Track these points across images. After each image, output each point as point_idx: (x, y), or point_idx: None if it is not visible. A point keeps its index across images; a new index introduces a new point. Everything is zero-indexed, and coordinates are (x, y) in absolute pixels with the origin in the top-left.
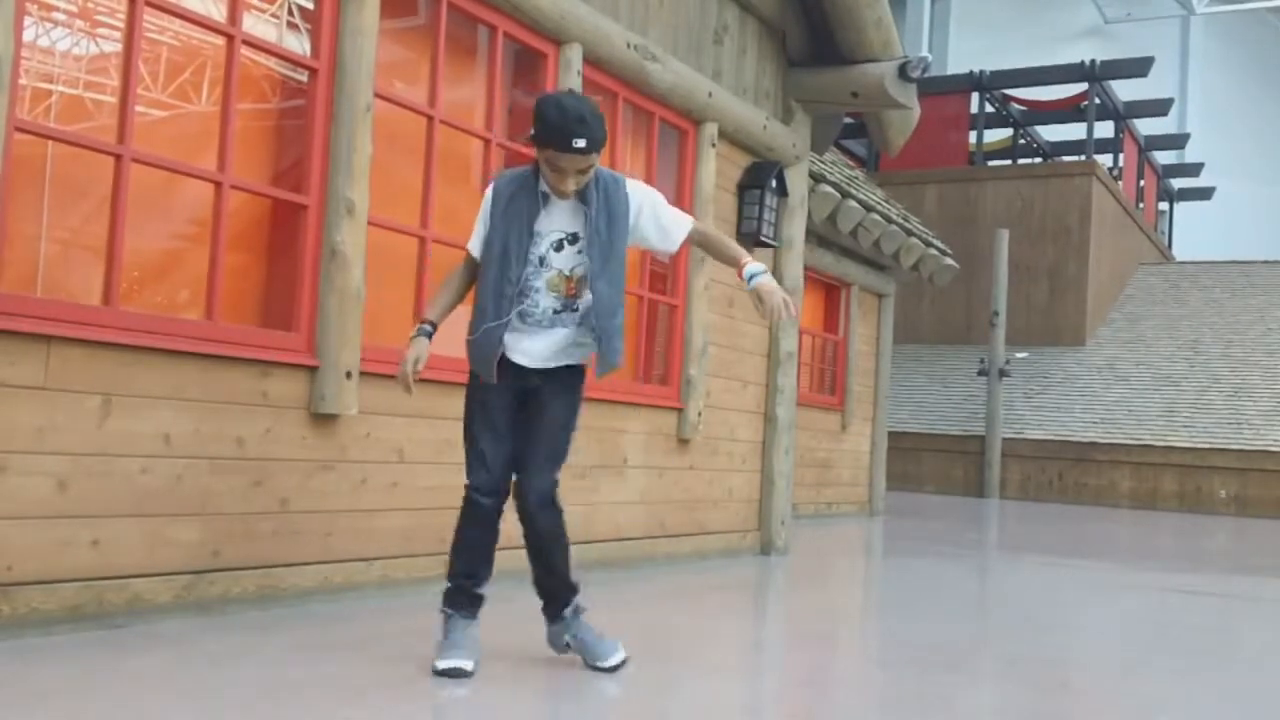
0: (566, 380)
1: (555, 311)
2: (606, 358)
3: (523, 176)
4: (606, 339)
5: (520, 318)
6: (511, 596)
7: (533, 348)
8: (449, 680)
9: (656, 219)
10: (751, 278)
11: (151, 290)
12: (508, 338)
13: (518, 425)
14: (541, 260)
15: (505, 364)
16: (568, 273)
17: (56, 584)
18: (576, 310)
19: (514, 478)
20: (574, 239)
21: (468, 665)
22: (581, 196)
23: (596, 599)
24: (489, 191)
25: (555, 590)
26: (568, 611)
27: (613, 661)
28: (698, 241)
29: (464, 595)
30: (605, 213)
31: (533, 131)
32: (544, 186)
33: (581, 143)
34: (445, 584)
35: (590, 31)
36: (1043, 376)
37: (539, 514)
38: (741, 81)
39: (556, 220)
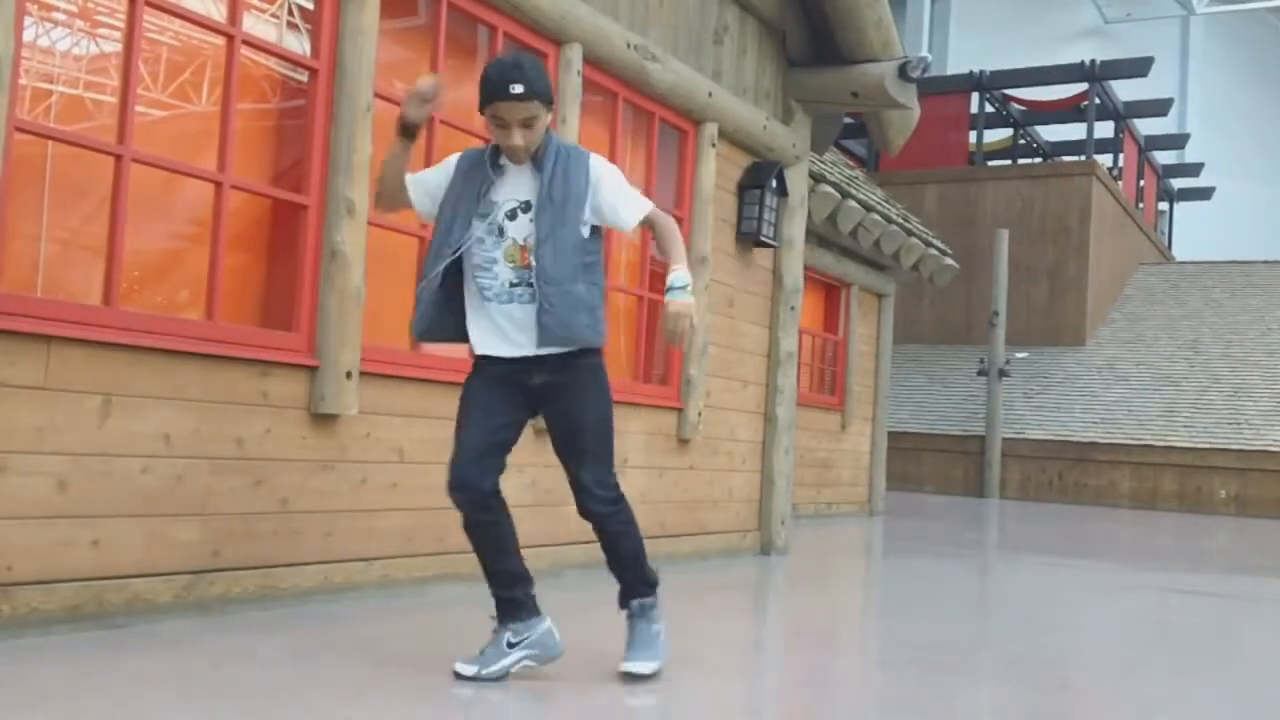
0: (581, 373)
1: (512, 284)
2: (548, 327)
3: (480, 151)
4: (549, 307)
5: (480, 294)
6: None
7: (499, 335)
8: (451, 680)
9: (612, 193)
10: (670, 289)
11: (151, 290)
12: (475, 327)
13: (508, 419)
14: (501, 230)
15: (492, 369)
16: (521, 241)
17: (56, 584)
18: (534, 285)
19: (495, 471)
20: (527, 207)
21: (466, 671)
22: (538, 165)
23: (597, 599)
24: (455, 156)
25: (629, 582)
26: (634, 604)
27: (635, 667)
28: (651, 227)
29: (498, 601)
30: (562, 181)
31: (479, 100)
32: (501, 159)
33: (519, 88)
34: None
35: (590, 31)
36: (1043, 376)
37: (598, 514)
38: (741, 81)
39: (510, 189)
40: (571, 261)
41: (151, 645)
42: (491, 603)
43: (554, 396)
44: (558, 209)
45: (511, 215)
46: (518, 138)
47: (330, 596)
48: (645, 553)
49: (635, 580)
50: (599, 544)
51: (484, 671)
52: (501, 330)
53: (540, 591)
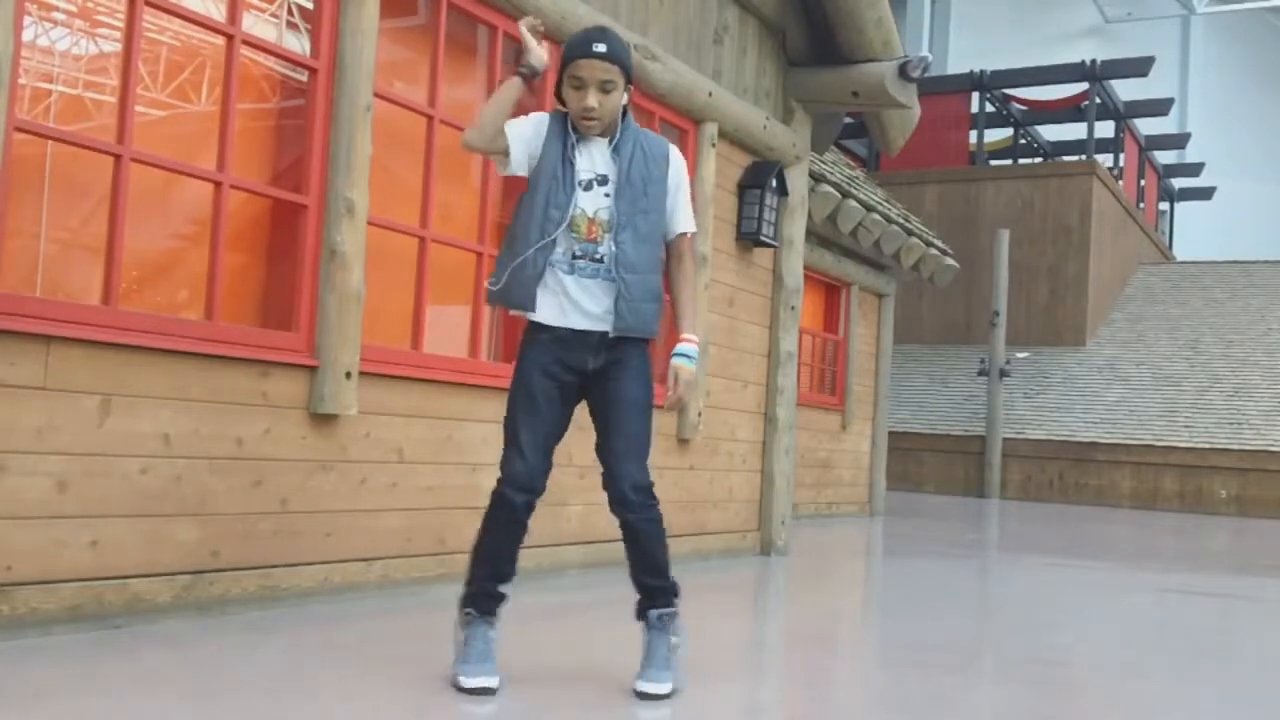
0: (631, 359)
1: (574, 256)
2: (624, 315)
3: (559, 115)
4: (627, 294)
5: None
6: (513, 594)
7: (555, 304)
8: (452, 685)
9: (679, 194)
10: (683, 354)
11: (151, 290)
12: (537, 295)
13: (562, 413)
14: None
15: (547, 339)
16: (591, 214)
17: (56, 584)
18: (599, 261)
19: (548, 473)
20: (604, 180)
21: (494, 683)
22: (615, 145)
23: (597, 599)
24: (545, 116)
25: (651, 590)
26: (652, 614)
27: (651, 688)
28: (680, 256)
29: (485, 596)
30: (641, 164)
31: (561, 66)
32: (573, 133)
33: (601, 47)
34: (466, 585)
35: None
36: (1043, 376)
37: (635, 510)
38: (741, 81)
39: (587, 160)
40: (652, 251)
41: (151, 645)
42: (460, 603)
43: (601, 383)
44: (637, 193)
45: (587, 186)
46: (592, 99)
47: (330, 597)
48: (669, 560)
49: (656, 588)
50: (624, 546)
51: (497, 681)
52: (558, 299)
53: (540, 592)
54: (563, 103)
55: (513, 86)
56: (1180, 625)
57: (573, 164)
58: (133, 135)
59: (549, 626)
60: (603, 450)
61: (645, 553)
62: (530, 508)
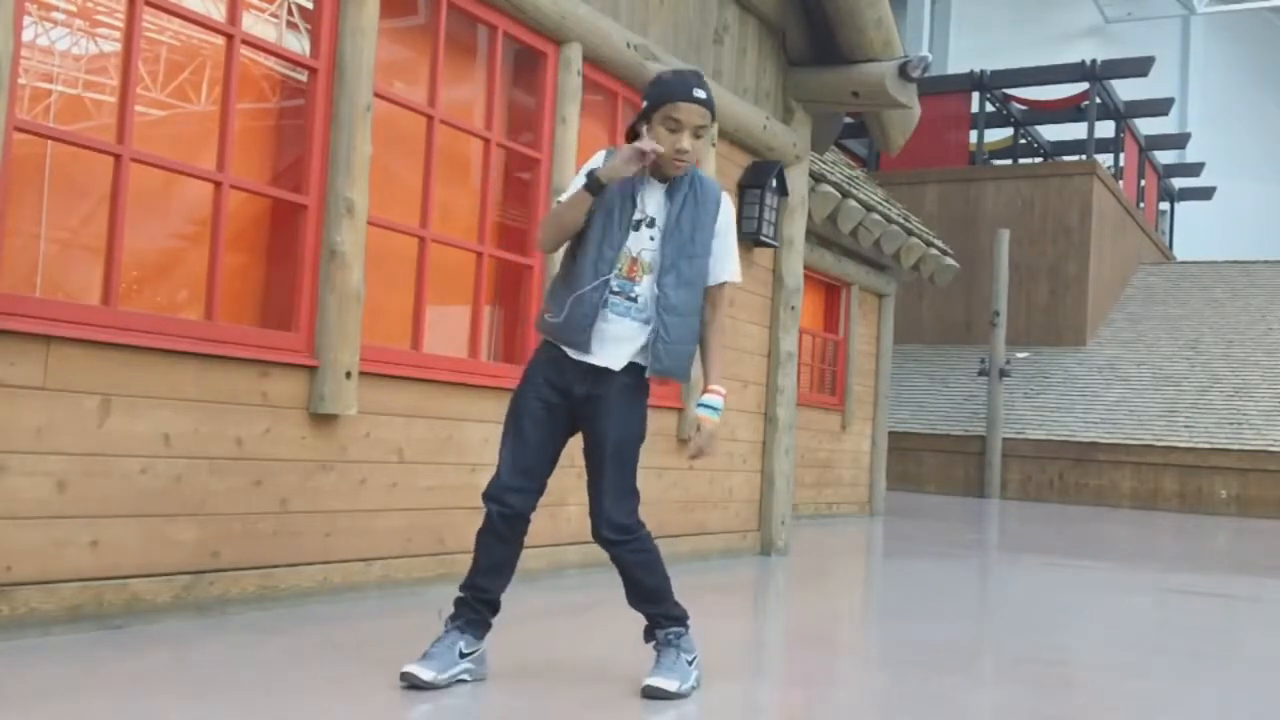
0: (620, 390)
1: (612, 292)
2: (661, 357)
3: None
4: (666, 336)
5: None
6: (513, 593)
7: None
8: (443, 688)
9: (725, 244)
10: (708, 406)
11: (151, 290)
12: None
13: (558, 437)
14: None
15: (548, 358)
16: (634, 254)
17: (56, 584)
18: (633, 300)
19: (535, 495)
20: (651, 223)
21: (425, 675)
22: (672, 188)
23: (597, 599)
24: (600, 155)
25: (651, 616)
26: (660, 634)
27: (659, 682)
28: (715, 304)
29: (467, 608)
30: (691, 209)
31: (645, 104)
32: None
33: (702, 94)
34: (458, 590)
35: (590, 31)
36: (1043, 376)
37: (617, 548)
38: (741, 81)
39: (642, 201)
40: (694, 295)
41: (151, 645)
42: (449, 604)
43: (589, 410)
44: (684, 239)
45: (635, 226)
46: (687, 141)
47: (330, 597)
48: (669, 586)
49: (658, 615)
50: (619, 574)
51: (441, 678)
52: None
53: (540, 591)
54: (632, 138)
55: (585, 201)
56: (1180, 625)
57: (634, 204)
58: (133, 135)
59: (549, 626)
60: (588, 485)
61: (633, 581)
62: (507, 521)
